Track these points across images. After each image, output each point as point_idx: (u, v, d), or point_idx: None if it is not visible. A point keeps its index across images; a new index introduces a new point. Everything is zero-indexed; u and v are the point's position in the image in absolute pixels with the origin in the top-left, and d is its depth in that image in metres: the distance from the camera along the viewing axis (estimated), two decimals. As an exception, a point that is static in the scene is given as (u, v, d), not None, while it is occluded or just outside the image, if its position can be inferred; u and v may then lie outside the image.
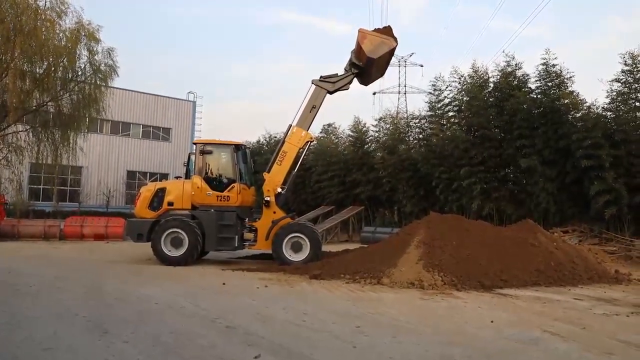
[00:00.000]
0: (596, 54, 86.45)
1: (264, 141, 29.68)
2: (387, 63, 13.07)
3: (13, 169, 20.23)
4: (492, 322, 5.97)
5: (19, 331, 5.22)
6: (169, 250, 11.28)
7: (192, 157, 12.54)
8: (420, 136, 21.47)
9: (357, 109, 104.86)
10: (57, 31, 18.77)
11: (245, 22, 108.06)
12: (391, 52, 12.16)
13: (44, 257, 12.60)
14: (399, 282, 8.59)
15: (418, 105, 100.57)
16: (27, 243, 16.40)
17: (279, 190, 11.90)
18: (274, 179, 11.93)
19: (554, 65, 16.49)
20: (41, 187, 28.87)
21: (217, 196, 11.71)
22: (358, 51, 11.94)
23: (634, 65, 14.88)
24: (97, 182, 30.68)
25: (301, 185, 25.31)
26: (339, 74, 12.29)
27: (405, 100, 46.48)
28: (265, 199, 11.79)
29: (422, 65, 50.36)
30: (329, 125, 27.08)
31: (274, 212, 11.74)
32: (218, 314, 6.16)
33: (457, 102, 19.45)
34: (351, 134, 24.35)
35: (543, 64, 16.63)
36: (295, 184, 25.31)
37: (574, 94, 16.12)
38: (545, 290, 8.38)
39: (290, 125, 12.28)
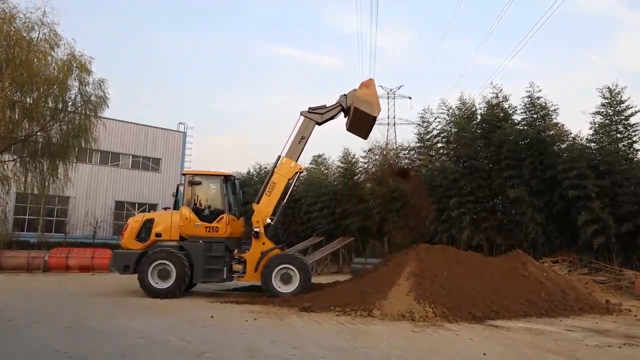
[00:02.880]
0: (579, 86, 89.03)
1: (254, 172, 29.71)
2: (366, 128, 13.05)
3: (-2, 198, 19.89)
4: (484, 354, 5.89)
5: (-4, 368, 5.03)
6: (156, 283, 11.06)
7: (181, 188, 12.45)
8: (410, 167, 21.63)
9: (347, 140, 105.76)
10: (50, 62, 18.87)
11: (236, 56, 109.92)
12: (369, 117, 12.18)
13: (26, 290, 12.25)
14: (390, 314, 8.49)
15: (407, 136, 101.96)
16: (9, 275, 15.97)
17: (268, 221, 11.81)
18: (263, 210, 11.84)
19: (538, 98, 16.95)
20: (27, 217, 28.38)
21: (206, 227, 11.60)
22: (352, 91, 12.23)
23: (612, 98, 15.38)
24: (85, 212, 30.24)
25: (291, 217, 25.18)
26: (327, 106, 12.44)
27: (395, 132, 47.00)
28: (255, 230, 11.68)
29: (410, 98, 51.05)
30: (319, 156, 27.23)
31: (263, 243, 11.62)
32: (205, 349, 6.00)
33: (445, 134, 19.77)
34: (341, 165, 24.48)
35: (528, 97, 17.07)
36: (285, 215, 25.32)
37: (559, 125, 16.51)
38: (536, 321, 8.32)
39: (280, 156, 12.30)
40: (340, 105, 12.34)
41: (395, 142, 32.82)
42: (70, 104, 20.03)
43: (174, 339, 6.60)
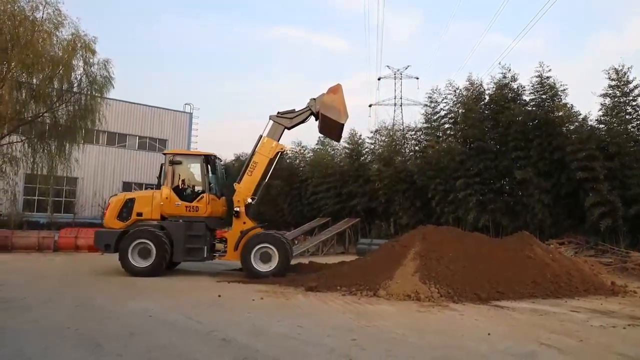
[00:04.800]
0: (589, 67, 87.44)
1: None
2: (335, 133, 13.36)
3: (8, 179, 20.07)
4: (489, 334, 5.93)
5: (8, 346, 5.13)
6: (137, 261, 11.13)
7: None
8: (416, 148, 21.57)
9: (353, 120, 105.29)
10: (54, 42, 18.78)
11: (240, 38, 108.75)
12: (336, 124, 12.34)
13: (37, 270, 12.46)
14: (396, 294, 8.55)
15: (414, 117, 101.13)
16: (20, 255, 16.23)
17: (249, 200, 11.88)
18: (244, 190, 11.91)
19: (548, 78, 16.71)
20: (36, 198, 28.67)
21: (186, 206, 11.66)
22: (321, 96, 12.26)
23: (619, 79, 15.14)
24: (93, 193, 30.50)
25: (297, 197, 25.26)
26: (296, 110, 12.41)
27: (401, 112, 46.74)
28: (235, 209, 11.76)
29: (417, 78, 50.58)
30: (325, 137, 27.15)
31: (244, 223, 11.71)
32: (213, 327, 6.09)
33: (452, 114, 19.60)
34: (347, 145, 24.39)
35: (537, 77, 16.83)
36: (291, 196, 25.43)
37: (568, 106, 16.30)
38: (541, 302, 8.34)
39: (261, 136, 12.28)
40: (310, 109, 12.34)
41: (402, 122, 32.57)
42: (75, 84, 20.03)
43: (181, 318, 6.70)
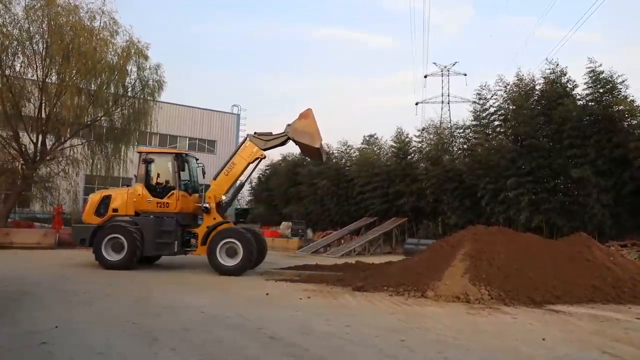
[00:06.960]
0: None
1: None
2: (315, 155, 13.48)
3: (70, 180, 21.32)
4: (544, 340, 5.70)
5: (73, 336, 5.45)
6: (110, 255, 11.63)
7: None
8: (465, 146, 21.07)
9: (400, 119, 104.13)
10: (110, 49, 19.74)
11: (286, 38, 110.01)
12: (312, 148, 12.32)
13: (97, 265, 13.13)
14: (444, 295, 8.38)
15: (462, 114, 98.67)
16: (82, 251, 17.13)
17: (222, 198, 12.16)
18: (218, 188, 12.21)
19: (600, 73, 15.87)
20: (95, 197, 30.18)
21: (157, 203, 12.09)
22: (294, 122, 12.27)
23: None
24: (147, 192, 31.77)
25: (344, 197, 25.29)
26: (273, 134, 12.48)
27: (449, 110, 45.81)
28: (205, 205, 12.03)
29: (465, 74, 49.34)
30: (371, 136, 27.03)
31: (214, 219, 12.00)
32: (261, 325, 6.20)
33: (502, 111, 18.99)
34: (394, 144, 24.19)
35: (590, 72, 16.06)
36: (338, 196, 25.49)
37: (629, 99, 15.38)
38: (602, 308, 7.90)
39: (246, 138, 12.52)
40: (286, 135, 12.37)
41: (450, 120, 31.89)
42: (130, 89, 20.94)
43: (232, 315, 6.87)
